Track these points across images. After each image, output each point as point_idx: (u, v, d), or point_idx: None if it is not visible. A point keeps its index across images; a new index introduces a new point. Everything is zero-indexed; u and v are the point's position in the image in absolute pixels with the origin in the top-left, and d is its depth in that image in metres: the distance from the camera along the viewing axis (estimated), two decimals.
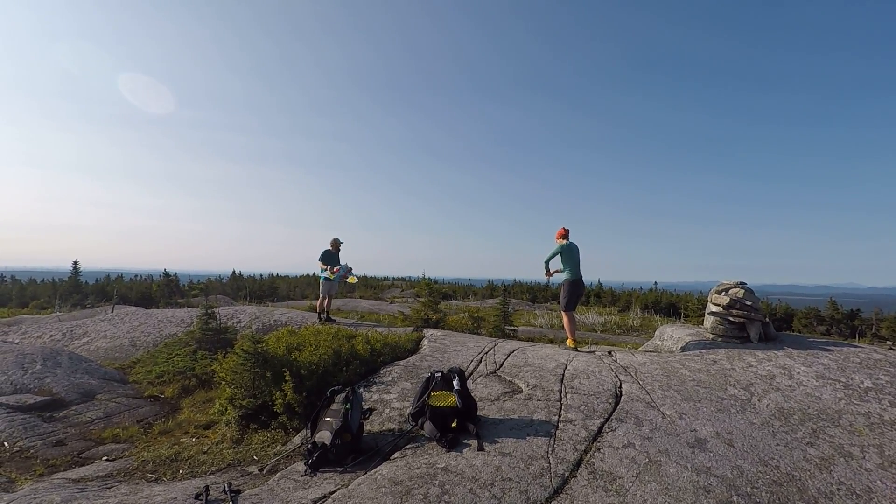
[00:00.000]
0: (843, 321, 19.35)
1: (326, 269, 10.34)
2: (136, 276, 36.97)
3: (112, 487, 3.83)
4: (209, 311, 9.31)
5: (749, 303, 6.69)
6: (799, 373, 5.42)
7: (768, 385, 5.17)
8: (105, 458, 4.93)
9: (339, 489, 3.41)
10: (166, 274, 26.90)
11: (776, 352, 6.11)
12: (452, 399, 4.33)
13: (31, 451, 5.04)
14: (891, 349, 7.91)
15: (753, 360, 5.86)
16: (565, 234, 7.47)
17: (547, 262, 7.45)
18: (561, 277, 7.45)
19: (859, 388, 5.03)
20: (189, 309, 14.20)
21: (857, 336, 17.90)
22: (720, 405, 4.71)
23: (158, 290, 25.28)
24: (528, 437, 4.05)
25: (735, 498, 3.24)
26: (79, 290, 23.93)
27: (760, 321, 6.75)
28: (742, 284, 6.94)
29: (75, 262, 24.49)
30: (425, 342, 7.62)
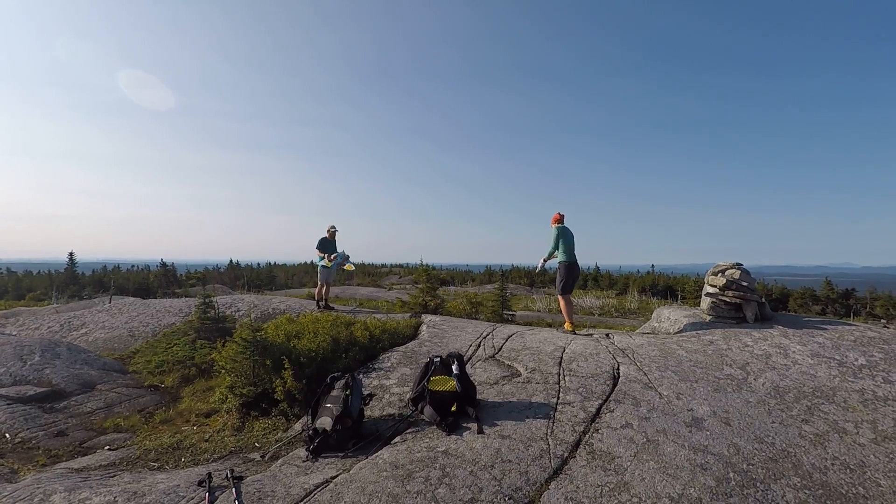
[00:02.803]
0: (838, 300, 19.49)
1: (324, 257, 10.34)
2: (132, 266, 36.88)
3: (115, 476, 3.86)
4: (207, 301, 9.30)
5: (745, 284, 6.73)
6: (794, 352, 5.47)
7: (764, 364, 5.22)
8: (107, 447, 4.96)
9: (340, 474, 3.45)
10: (163, 264, 26.86)
11: (772, 331, 6.16)
12: (452, 383, 4.36)
13: (33, 441, 5.06)
14: (885, 327, 7.99)
15: (749, 340, 5.91)
16: (560, 219, 7.46)
17: (554, 248, 7.34)
18: (556, 261, 7.46)
19: (853, 365, 5.08)
20: (187, 298, 14.21)
21: (851, 315, 18.05)
22: (717, 385, 4.76)
23: (156, 280, 25.25)
24: (527, 420, 4.09)
25: (731, 475, 3.29)
26: (75, 282, 23.89)
27: (756, 301, 6.80)
28: (738, 265, 6.97)
29: (71, 254, 24.43)
30: (424, 328, 7.65)
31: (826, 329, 6.15)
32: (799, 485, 3.24)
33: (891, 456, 3.60)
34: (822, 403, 4.36)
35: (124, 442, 5.12)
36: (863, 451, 3.66)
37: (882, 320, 16.25)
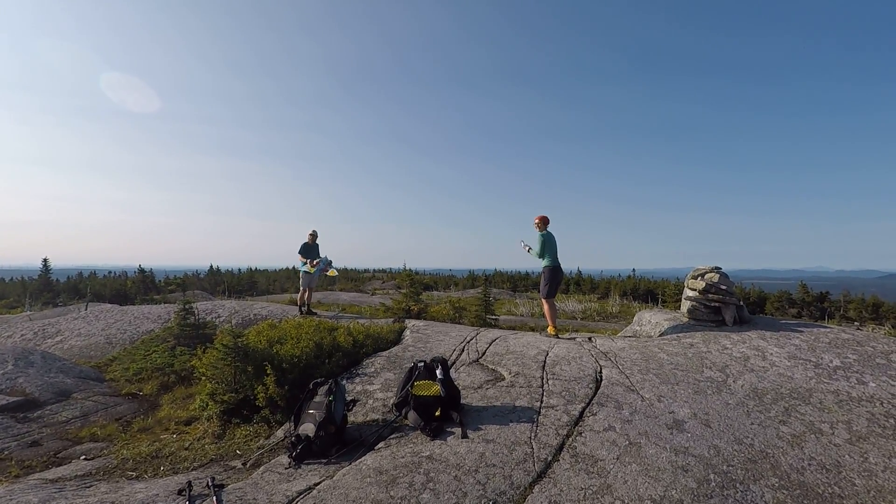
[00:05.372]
0: (814, 303, 19.96)
1: (306, 263, 10.26)
2: (109, 272, 36.13)
3: (91, 486, 3.76)
4: (187, 307, 9.16)
5: (724, 287, 6.85)
6: (772, 354, 5.59)
7: (743, 366, 5.31)
8: (83, 457, 4.84)
9: (324, 480, 3.42)
10: (141, 270, 26.37)
11: (750, 334, 6.28)
12: (436, 388, 4.35)
13: (5, 452, 4.92)
14: (858, 329, 8.19)
15: (728, 343, 6.01)
16: (546, 223, 7.48)
17: (539, 255, 7.39)
18: (541, 265, 7.50)
19: (829, 367, 5.20)
20: (166, 305, 13.96)
21: (826, 317, 18.48)
22: (697, 387, 4.83)
23: (133, 287, 24.76)
24: (511, 424, 4.10)
25: (712, 476, 3.34)
26: (50, 289, 23.32)
27: (735, 305, 6.92)
28: (717, 269, 7.10)
29: (45, 260, 23.86)
30: (407, 333, 7.63)
31: (802, 332, 6.29)
32: (777, 485, 3.29)
33: (865, 456, 3.68)
34: (799, 405, 4.45)
35: (101, 451, 5.00)
36: (838, 452, 3.74)
37: (855, 322, 16.67)
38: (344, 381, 5.44)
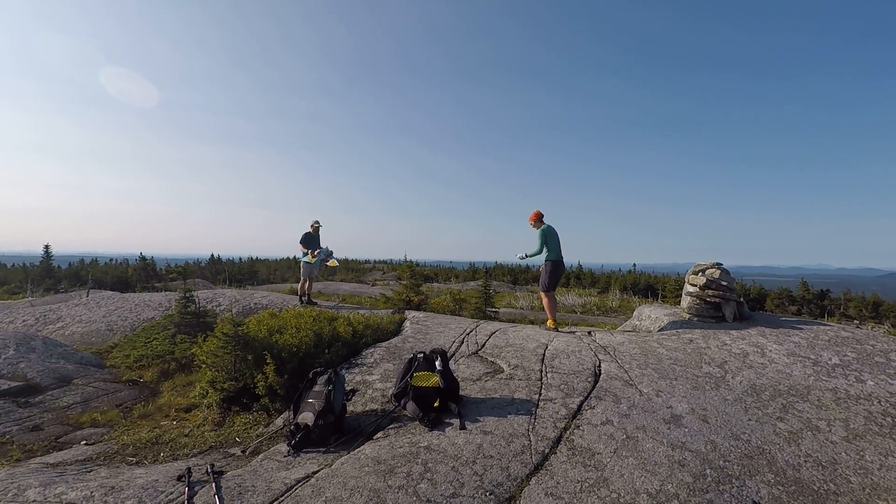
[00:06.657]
0: (814, 301, 19.94)
1: (307, 253, 10.27)
2: (110, 259, 36.18)
3: (92, 471, 3.79)
4: (188, 295, 9.18)
5: (724, 283, 6.85)
6: (771, 350, 5.59)
7: (742, 363, 5.32)
8: (84, 442, 4.87)
9: (322, 469, 3.44)
10: (142, 258, 26.39)
11: (750, 330, 6.28)
12: (435, 379, 4.37)
13: (7, 436, 4.95)
14: (858, 327, 8.19)
15: (728, 339, 6.02)
16: (541, 217, 7.39)
17: (539, 251, 7.36)
18: (541, 259, 7.44)
19: (827, 364, 5.21)
20: (167, 293, 13.99)
21: (826, 315, 18.48)
22: (695, 382, 4.84)
23: (135, 274, 24.79)
24: (509, 416, 4.11)
25: (708, 471, 3.36)
26: (51, 275, 23.35)
27: (735, 301, 6.92)
28: (718, 265, 7.09)
29: (47, 246, 23.88)
30: (407, 324, 7.64)
31: (801, 329, 6.29)
32: (773, 481, 3.31)
33: (861, 454, 3.70)
34: (797, 402, 4.47)
35: (102, 437, 5.03)
36: (835, 449, 3.76)
37: (855, 321, 16.68)
38: (343, 371, 5.47)
